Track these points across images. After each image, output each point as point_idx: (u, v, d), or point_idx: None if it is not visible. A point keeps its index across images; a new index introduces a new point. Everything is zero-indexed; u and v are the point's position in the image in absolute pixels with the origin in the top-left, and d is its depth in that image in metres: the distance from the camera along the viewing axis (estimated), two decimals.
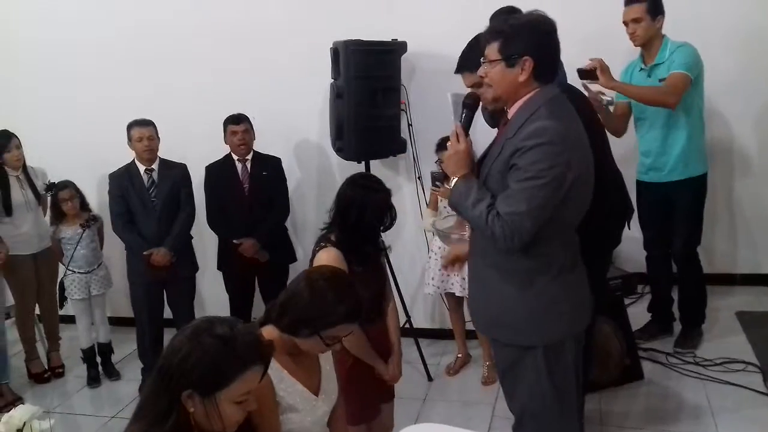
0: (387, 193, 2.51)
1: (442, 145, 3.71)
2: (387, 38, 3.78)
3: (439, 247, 3.80)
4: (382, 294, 2.62)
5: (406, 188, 4.28)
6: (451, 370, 3.98)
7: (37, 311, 4.41)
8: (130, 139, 3.90)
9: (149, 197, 3.93)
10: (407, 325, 4.11)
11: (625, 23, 3.38)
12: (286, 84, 4.23)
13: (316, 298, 1.76)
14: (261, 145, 4.09)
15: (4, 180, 4.00)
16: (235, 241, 3.95)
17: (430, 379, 3.92)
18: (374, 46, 3.65)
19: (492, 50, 1.98)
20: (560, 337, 2.09)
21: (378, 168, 4.16)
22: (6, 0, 4.78)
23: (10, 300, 4.23)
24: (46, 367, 4.37)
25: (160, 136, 3.97)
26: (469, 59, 2.45)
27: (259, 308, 4.25)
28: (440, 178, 3.65)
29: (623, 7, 3.38)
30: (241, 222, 3.98)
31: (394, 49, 3.75)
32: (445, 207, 3.74)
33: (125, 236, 3.96)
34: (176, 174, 4.00)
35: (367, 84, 3.64)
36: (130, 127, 3.90)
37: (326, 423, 1.97)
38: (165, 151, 4.02)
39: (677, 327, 3.80)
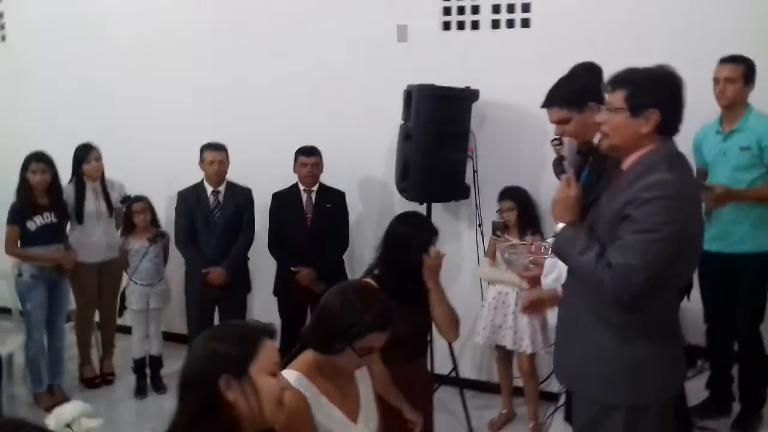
0: (433, 233, 2.55)
1: (504, 195, 3.71)
2: (460, 85, 3.83)
3: (494, 297, 3.76)
4: (421, 333, 2.58)
5: (466, 235, 4.26)
6: (494, 425, 3.88)
7: (96, 318, 4.55)
8: (202, 160, 4.07)
9: (213, 217, 4.07)
10: (453, 374, 4.07)
11: (716, 80, 3.30)
12: (358, 120, 4.33)
13: (346, 308, 1.80)
14: (327, 178, 4.17)
15: (80, 189, 4.20)
16: (292, 268, 4.01)
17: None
18: (446, 92, 3.70)
19: (617, 98, 1.96)
20: (647, 400, 2.00)
21: (439, 212, 4.18)
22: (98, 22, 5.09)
23: (72, 305, 4.40)
24: (98, 373, 4.50)
25: (230, 158, 4.12)
26: (558, 95, 2.48)
27: None
28: (501, 227, 3.65)
29: (717, 64, 3.30)
30: (300, 251, 4.05)
31: (466, 96, 3.79)
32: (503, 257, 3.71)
33: (186, 252, 4.10)
34: (241, 197, 4.14)
35: (436, 128, 3.68)
36: (203, 149, 4.07)
37: None
38: (232, 173, 4.17)
39: (736, 407, 3.62)
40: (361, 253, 4.50)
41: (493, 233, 3.67)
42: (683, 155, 2.02)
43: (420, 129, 3.68)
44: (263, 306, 4.52)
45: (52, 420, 1.85)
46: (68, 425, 1.83)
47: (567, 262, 2.06)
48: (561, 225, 2.04)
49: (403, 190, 3.91)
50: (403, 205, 4.21)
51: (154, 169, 4.77)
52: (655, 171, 1.88)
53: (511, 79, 3.91)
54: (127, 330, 4.54)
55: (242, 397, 1.38)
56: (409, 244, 2.45)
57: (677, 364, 2.09)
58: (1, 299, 4.67)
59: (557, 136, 3.16)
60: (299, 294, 4.04)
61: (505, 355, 3.86)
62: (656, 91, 1.92)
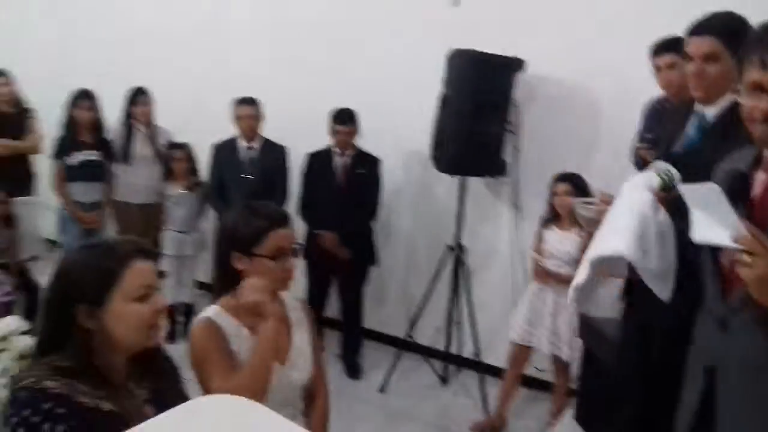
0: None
1: (562, 177, 3.39)
2: (510, 53, 3.57)
3: (534, 293, 3.48)
4: None
5: (505, 214, 4.02)
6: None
7: None
8: (233, 115, 4.04)
9: (245, 172, 4.04)
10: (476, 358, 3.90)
11: None
12: (401, 86, 4.14)
13: (236, 220, 1.80)
14: (365, 141, 4.03)
15: (128, 131, 4.29)
16: (316, 231, 3.94)
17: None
18: (487, 58, 3.47)
19: None
20: None
21: (479, 188, 3.97)
22: None
23: None
24: None
25: (267, 114, 4.08)
26: (721, 23, 1.97)
27: (333, 306, 4.23)
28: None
29: None
30: (328, 214, 3.94)
31: (508, 65, 3.55)
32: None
33: (215, 204, 4.12)
34: (275, 155, 4.08)
35: (474, 96, 3.47)
36: (234, 104, 4.05)
37: (298, 398, 1.88)
38: (272, 131, 4.12)
39: None
40: (396, 222, 4.39)
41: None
42: None
43: (457, 96, 3.49)
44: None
45: None
46: (2, 339, 1.84)
47: None
48: None
49: (435, 160, 3.72)
50: (441, 177, 4.03)
51: (206, 120, 4.75)
52: None
53: (564, 53, 3.61)
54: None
55: (101, 326, 1.35)
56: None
57: None
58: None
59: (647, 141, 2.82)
60: (324, 258, 3.97)
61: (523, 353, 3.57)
62: None
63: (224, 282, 1.81)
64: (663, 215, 1.86)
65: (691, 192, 1.48)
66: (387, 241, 4.36)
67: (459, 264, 3.85)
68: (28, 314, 2.65)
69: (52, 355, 1.34)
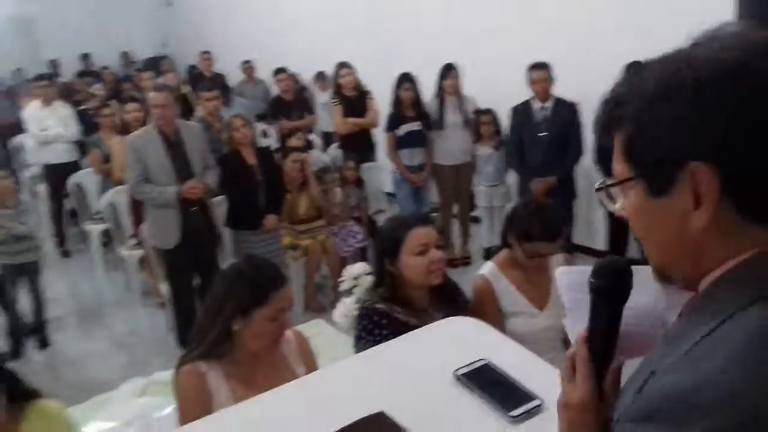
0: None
1: None
2: None
3: None
4: None
5: None
6: None
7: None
8: (528, 79, 4.47)
9: (539, 131, 4.47)
10: None
11: None
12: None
13: (517, 212, 2.34)
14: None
15: (441, 102, 5.02)
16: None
17: None
18: None
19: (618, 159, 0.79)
20: None
21: None
22: None
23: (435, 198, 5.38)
24: (457, 256, 5.37)
25: (556, 76, 4.44)
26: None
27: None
28: None
29: None
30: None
31: None
32: None
33: (510, 161, 4.69)
34: (567, 112, 4.43)
35: None
36: (529, 69, 4.47)
37: (558, 340, 2.31)
38: (563, 89, 4.50)
39: None
40: None
41: None
42: None
43: None
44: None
45: (346, 273, 2.68)
46: (355, 278, 2.64)
47: None
48: None
49: None
50: None
51: (504, 87, 5.10)
52: (711, 347, 0.66)
53: None
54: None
55: (399, 270, 2.01)
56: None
57: None
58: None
59: None
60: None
61: None
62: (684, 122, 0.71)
63: (504, 242, 2.37)
64: None
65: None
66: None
67: None
68: None
69: (380, 288, 2.08)
